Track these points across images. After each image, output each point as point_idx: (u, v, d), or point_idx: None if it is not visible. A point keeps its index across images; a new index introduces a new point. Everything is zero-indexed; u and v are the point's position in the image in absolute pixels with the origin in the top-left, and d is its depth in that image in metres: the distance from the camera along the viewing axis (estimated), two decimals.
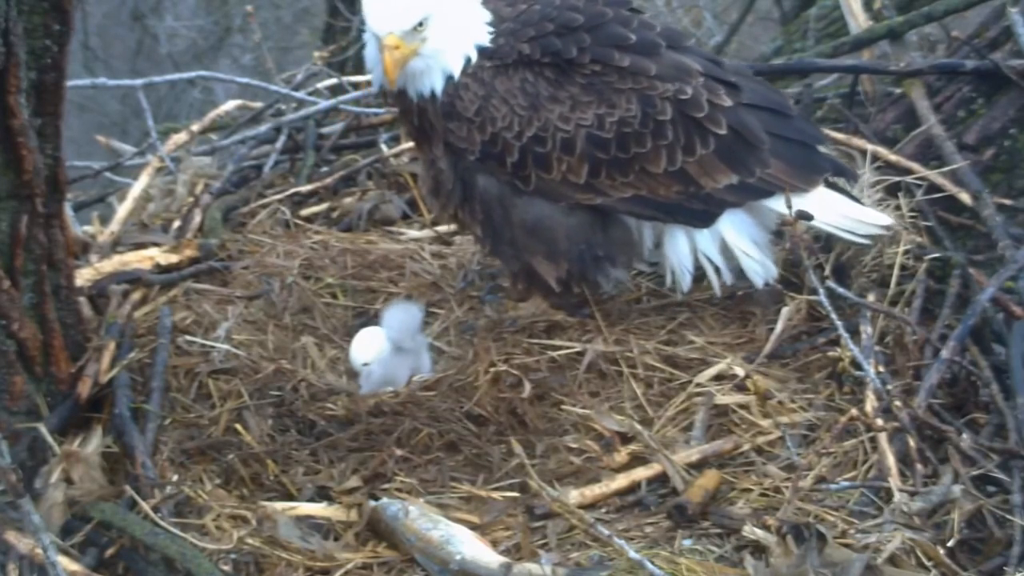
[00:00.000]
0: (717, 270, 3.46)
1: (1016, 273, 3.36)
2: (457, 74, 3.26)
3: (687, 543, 2.81)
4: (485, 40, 3.27)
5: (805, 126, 3.49)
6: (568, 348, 3.38)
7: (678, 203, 3.34)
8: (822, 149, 3.51)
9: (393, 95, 3.37)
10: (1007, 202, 3.85)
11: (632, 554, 2.62)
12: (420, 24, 3.16)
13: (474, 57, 3.26)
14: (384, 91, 3.43)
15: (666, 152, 3.28)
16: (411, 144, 4.30)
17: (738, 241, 3.42)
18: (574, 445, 3.15)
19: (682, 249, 3.44)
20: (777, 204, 3.38)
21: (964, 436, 3.03)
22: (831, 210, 3.40)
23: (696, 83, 3.29)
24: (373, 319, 3.72)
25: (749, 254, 3.44)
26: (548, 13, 3.31)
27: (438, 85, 3.27)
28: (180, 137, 4.71)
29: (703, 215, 3.37)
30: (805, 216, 3.17)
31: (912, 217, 3.67)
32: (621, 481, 3.02)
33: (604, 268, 3.43)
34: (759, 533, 2.73)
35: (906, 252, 3.56)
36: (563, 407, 3.25)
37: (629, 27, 3.31)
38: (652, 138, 3.27)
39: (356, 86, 5.01)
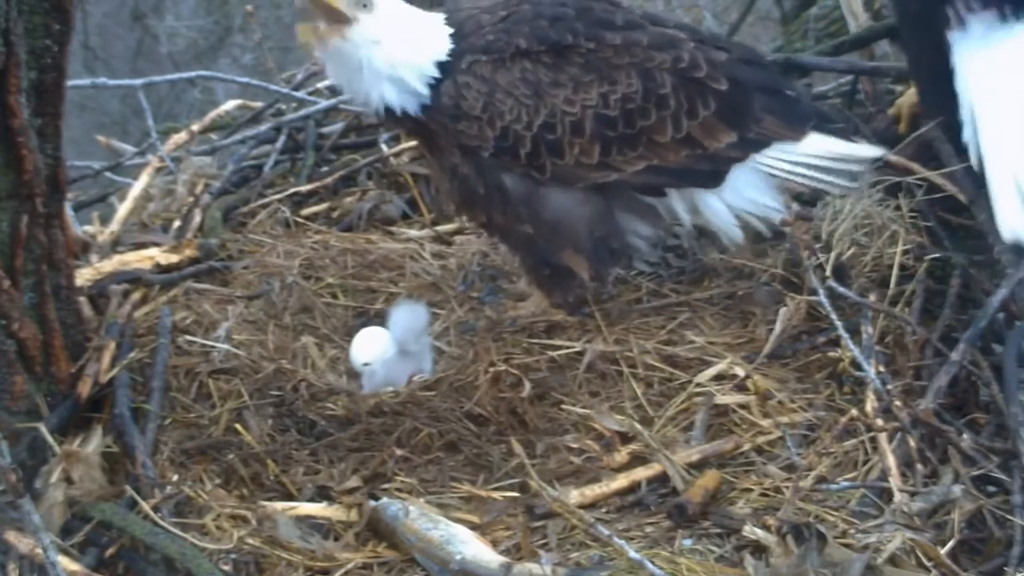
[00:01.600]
0: (752, 220, 3.53)
1: None
2: (418, 86, 3.29)
3: (687, 543, 2.81)
4: (442, 54, 3.31)
5: (784, 81, 3.64)
6: (568, 348, 3.38)
7: (687, 167, 3.40)
8: (804, 98, 3.63)
9: (393, 119, 3.39)
10: None
11: (632, 554, 2.62)
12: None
13: (431, 72, 3.29)
14: (385, 118, 3.44)
15: (671, 121, 3.34)
16: (419, 152, 4.33)
17: (754, 193, 3.48)
18: (574, 445, 3.15)
19: (718, 208, 3.48)
20: (774, 152, 3.47)
21: (964, 436, 3.04)
22: (821, 148, 3.49)
23: (689, 47, 3.37)
24: (373, 319, 3.72)
25: (766, 203, 3.50)
26: (540, 11, 3.36)
27: (393, 98, 3.30)
28: (180, 137, 4.71)
29: (713, 175, 3.44)
30: (806, 216, 3.19)
31: (912, 217, 3.66)
32: (621, 481, 3.02)
33: (626, 252, 3.51)
34: (759, 533, 2.73)
35: (906, 252, 3.56)
36: (563, 407, 3.25)
37: (614, 13, 3.41)
38: (656, 109, 3.33)
39: None
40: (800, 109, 3.53)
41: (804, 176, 3.51)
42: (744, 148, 3.44)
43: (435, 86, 3.31)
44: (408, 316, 3.58)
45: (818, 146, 3.50)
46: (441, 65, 3.31)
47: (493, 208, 3.43)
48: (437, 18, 3.39)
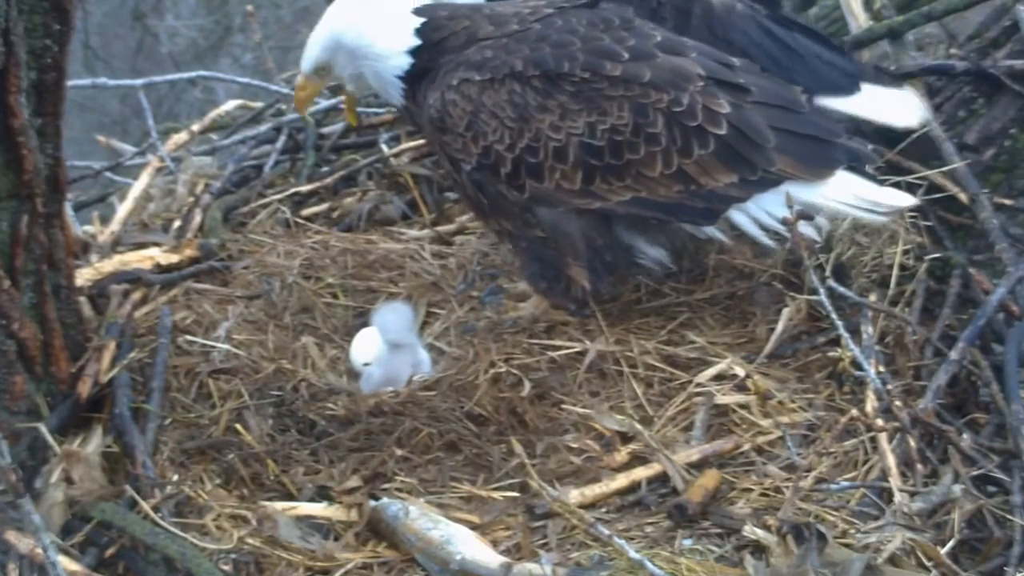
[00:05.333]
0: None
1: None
2: (393, 77, 3.45)
3: (687, 543, 2.81)
4: (412, 42, 3.42)
5: (819, 120, 3.42)
6: (568, 348, 3.38)
7: (679, 202, 3.32)
8: (839, 140, 3.41)
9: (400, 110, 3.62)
10: (1007, 202, 3.85)
11: (632, 554, 2.62)
12: (323, 69, 3.55)
13: (404, 64, 3.44)
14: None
15: (661, 156, 3.27)
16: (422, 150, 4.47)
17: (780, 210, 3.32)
18: (574, 445, 3.15)
19: (743, 221, 3.39)
20: (788, 190, 3.28)
21: (964, 436, 3.04)
22: (846, 192, 3.34)
23: (693, 89, 3.25)
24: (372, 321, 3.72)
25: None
26: (547, 34, 3.34)
27: (393, 93, 3.50)
28: (180, 137, 4.71)
29: (706, 213, 3.35)
30: (806, 216, 3.15)
31: (912, 217, 3.67)
32: (621, 481, 3.02)
33: (628, 266, 3.49)
34: (759, 533, 2.73)
35: (906, 252, 3.56)
36: (563, 407, 3.25)
37: (628, 34, 3.32)
38: (645, 144, 3.26)
39: None
40: (828, 151, 3.36)
41: (824, 213, 3.40)
42: (746, 188, 3.33)
43: (413, 85, 3.44)
44: (392, 315, 3.58)
45: (842, 190, 3.34)
46: (415, 65, 3.43)
47: (493, 211, 3.45)
48: (405, 19, 3.47)
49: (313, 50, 3.54)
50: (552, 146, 3.26)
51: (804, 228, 3.29)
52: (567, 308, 3.53)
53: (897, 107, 3.63)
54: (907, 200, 3.43)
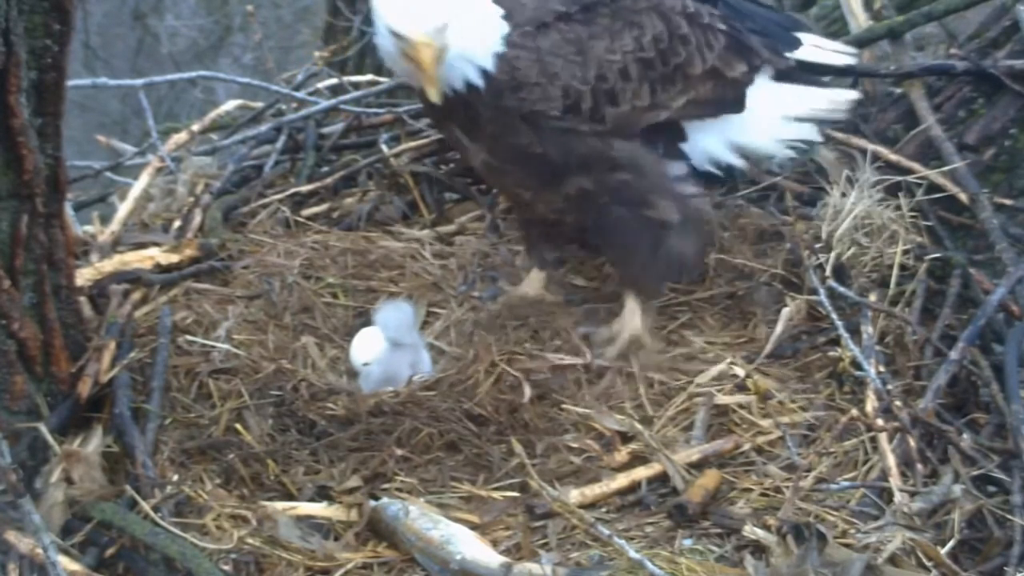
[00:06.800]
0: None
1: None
2: (486, 63, 3.26)
3: (687, 543, 2.81)
4: (506, 28, 3.29)
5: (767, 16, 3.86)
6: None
7: (717, 98, 3.55)
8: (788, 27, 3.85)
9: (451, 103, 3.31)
10: (1008, 202, 3.86)
11: (632, 554, 2.62)
12: (444, 25, 3.17)
13: (498, 47, 3.27)
14: (424, 98, 3.39)
15: (697, 55, 3.50)
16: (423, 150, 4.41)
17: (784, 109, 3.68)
18: (574, 445, 3.15)
19: (754, 135, 3.65)
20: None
21: (964, 436, 3.04)
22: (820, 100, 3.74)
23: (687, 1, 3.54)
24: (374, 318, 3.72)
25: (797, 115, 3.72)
26: None
27: (471, 73, 3.26)
28: (181, 137, 4.70)
29: (735, 101, 3.59)
30: (806, 216, 3.17)
31: (912, 217, 3.67)
32: (621, 481, 3.02)
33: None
34: (759, 533, 2.73)
35: (906, 252, 3.56)
36: (563, 406, 3.25)
37: None
38: (682, 45, 3.47)
39: (356, 86, 5.00)
40: (787, 35, 3.78)
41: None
42: (752, 75, 3.62)
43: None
44: (393, 313, 3.58)
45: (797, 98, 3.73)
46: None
47: (579, 176, 3.41)
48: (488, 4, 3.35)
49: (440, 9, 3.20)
50: (616, 68, 3.36)
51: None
52: (662, 288, 3.59)
53: (832, 51, 3.92)
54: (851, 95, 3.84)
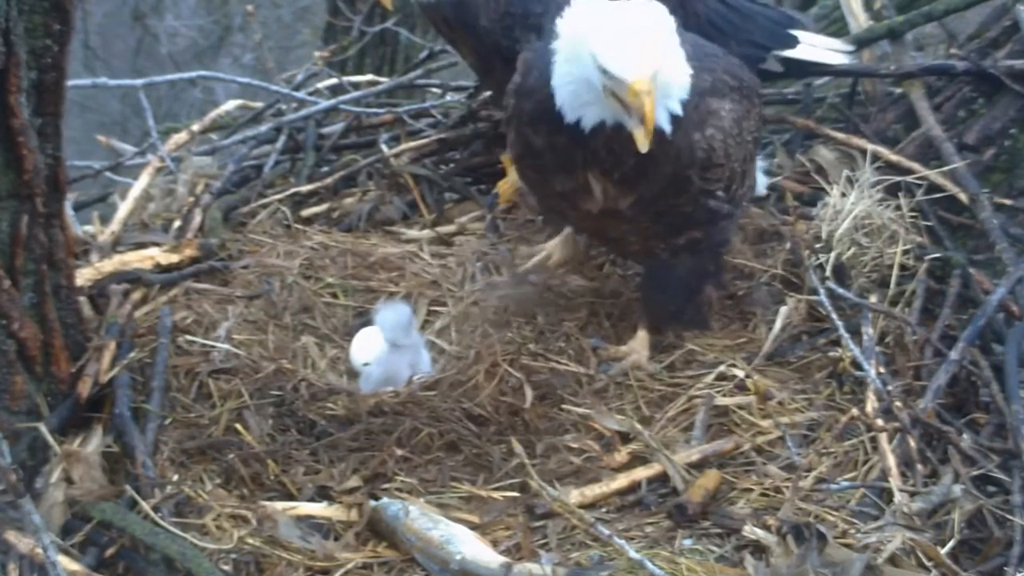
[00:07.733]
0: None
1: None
2: (676, 108, 3.08)
3: (687, 543, 2.81)
4: (688, 74, 3.12)
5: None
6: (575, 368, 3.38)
7: None
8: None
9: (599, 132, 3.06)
10: (1007, 202, 3.86)
11: (632, 554, 2.62)
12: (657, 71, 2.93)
13: (685, 94, 3.10)
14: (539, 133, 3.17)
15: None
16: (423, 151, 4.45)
17: None
18: (574, 445, 3.15)
19: None
20: None
21: (964, 436, 3.04)
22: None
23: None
24: (373, 319, 3.72)
25: None
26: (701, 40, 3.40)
27: (663, 120, 3.05)
28: (181, 137, 4.70)
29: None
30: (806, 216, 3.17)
31: (912, 217, 3.67)
32: (621, 481, 3.02)
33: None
34: (759, 533, 2.74)
35: (906, 252, 3.56)
36: (564, 407, 3.25)
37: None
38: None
39: (356, 86, 5.01)
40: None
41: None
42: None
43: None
44: (392, 314, 3.58)
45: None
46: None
47: (695, 230, 3.32)
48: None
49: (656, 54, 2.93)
50: (750, 149, 3.33)
51: None
52: (677, 332, 3.51)
53: (828, 49, 4.09)
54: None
